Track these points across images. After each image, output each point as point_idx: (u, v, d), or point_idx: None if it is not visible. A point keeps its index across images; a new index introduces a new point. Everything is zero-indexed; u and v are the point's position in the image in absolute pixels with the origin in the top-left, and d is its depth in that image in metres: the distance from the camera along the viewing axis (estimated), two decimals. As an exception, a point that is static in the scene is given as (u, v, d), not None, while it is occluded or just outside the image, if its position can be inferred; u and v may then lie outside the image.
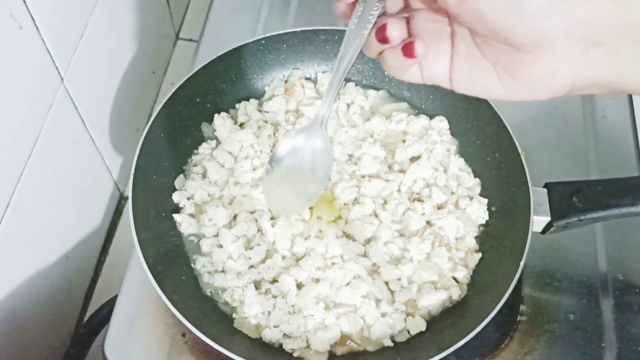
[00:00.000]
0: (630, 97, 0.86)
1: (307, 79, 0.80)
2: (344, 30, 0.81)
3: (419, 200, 0.70)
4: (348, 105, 0.78)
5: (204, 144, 0.74)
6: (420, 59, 0.40)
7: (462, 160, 0.74)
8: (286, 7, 0.94)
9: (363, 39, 0.42)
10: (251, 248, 0.67)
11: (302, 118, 0.75)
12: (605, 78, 0.37)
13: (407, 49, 0.40)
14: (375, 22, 0.41)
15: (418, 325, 0.63)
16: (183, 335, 0.65)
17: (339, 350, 0.62)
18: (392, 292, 0.65)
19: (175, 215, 0.68)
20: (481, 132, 0.73)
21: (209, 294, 0.65)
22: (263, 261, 0.66)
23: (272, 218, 0.69)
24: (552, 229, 0.64)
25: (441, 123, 0.76)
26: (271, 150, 0.72)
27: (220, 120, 0.75)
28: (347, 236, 0.68)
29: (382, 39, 0.40)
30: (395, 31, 0.40)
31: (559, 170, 0.78)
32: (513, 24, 0.36)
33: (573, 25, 0.35)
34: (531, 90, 0.39)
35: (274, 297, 0.64)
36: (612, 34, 0.35)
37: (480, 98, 0.72)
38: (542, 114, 0.84)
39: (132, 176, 0.65)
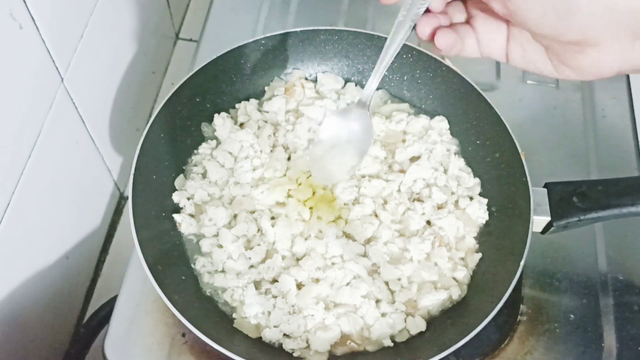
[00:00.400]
0: (630, 97, 0.86)
1: (307, 79, 0.80)
2: (344, 30, 0.81)
3: (419, 200, 0.70)
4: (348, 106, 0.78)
5: (204, 144, 0.74)
6: (445, 50, 0.45)
7: (462, 160, 0.74)
8: (286, 7, 0.94)
9: (409, 31, 0.46)
10: (251, 248, 0.67)
11: (302, 118, 0.75)
12: None
13: (435, 39, 0.45)
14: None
15: (418, 325, 0.63)
16: (183, 335, 0.65)
17: (339, 350, 0.62)
18: (392, 292, 0.65)
19: (175, 215, 0.68)
20: (481, 132, 0.73)
21: (209, 294, 0.65)
22: (263, 261, 0.66)
23: (272, 218, 0.69)
24: (552, 229, 0.64)
25: (441, 123, 0.76)
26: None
27: (220, 120, 0.75)
28: (347, 236, 0.68)
29: (420, 32, 0.46)
30: (426, 27, 0.45)
31: (559, 170, 0.78)
32: (562, 30, 0.39)
33: (619, 23, 0.38)
34: (579, 74, 0.43)
35: (274, 297, 0.64)
36: None
37: (480, 98, 0.72)
38: (542, 114, 0.84)
39: (132, 176, 0.65)
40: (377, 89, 0.79)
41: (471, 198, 0.71)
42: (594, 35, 0.39)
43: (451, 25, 0.47)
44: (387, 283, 0.65)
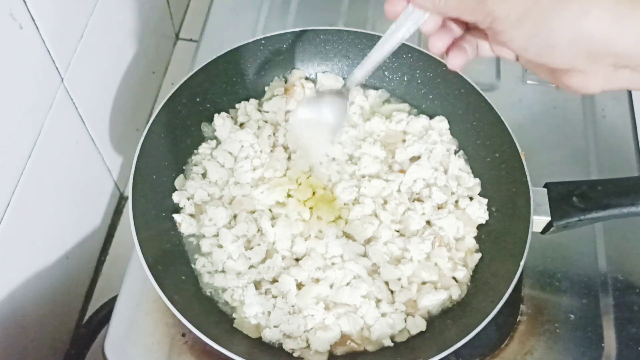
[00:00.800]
0: (630, 97, 0.86)
1: (307, 79, 0.80)
2: (344, 31, 0.81)
3: (419, 200, 0.70)
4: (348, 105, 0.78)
5: (204, 144, 0.74)
6: (458, 68, 0.48)
7: (462, 160, 0.74)
8: (286, 7, 0.94)
9: (403, 38, 0.47)
10: (251, 248, 0.67)
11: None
12: (632, 87, 0.44)
13: (447, 57, 0.48)
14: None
15: (418, 325, 0.63)
16: (183, 335, 0.65)
17: (339, 350, 0.62)
18: (392, 292, 0.65)
19: (175, 215, 0.68)
20: (481, 132, 0.73)
21: (209, 294, 0.65)
22: (263, 261, 0.66)
23: (272, 218, 0.69)
24: (552, 229, 0.64)
25: (441, 123, 0.76)
26: (271, 150, 0.73)
27: (220, 120, 0.75)
28: (347, 236, 0.68)
29: (432, 47, 0.48)
30: (437, 45, 0.47)
31: (559, 170, 0.78)
32: (545, 60, 0.42)
33: (598, 57, 0.41)
34: (567, 90, 0.45)
35: (274, 297, 0.64)
36: (636, 60, 0.40)
37: (480, 98, 0.72)
38: (542, 114, 0.84)
39: (132, 176, 0.65)
40: (378, 89, 0.80)
41: (471, 198, 0.71)
42: (576, 64, 0.41)
43: (462, 36, 0.49)
44: (387, 283, 0.65)
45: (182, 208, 0.70)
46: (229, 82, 0.77)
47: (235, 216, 0.69)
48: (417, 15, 0.45)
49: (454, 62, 0.48)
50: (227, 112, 0.77)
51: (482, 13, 0.41)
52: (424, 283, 0.66)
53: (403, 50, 0.77)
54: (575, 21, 0.39)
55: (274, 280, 0.65)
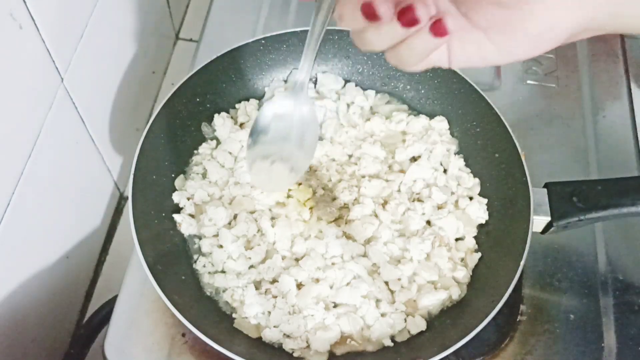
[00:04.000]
0: (630, 97, 0.86)
1: (307, 78, 0.80)
2: (344, 30, 0.81)
3: (419, 200, 0.70)
4: (348, 105, 0.78)
5: (204, 144, 0.74)
6: (451, 35, 0.36)
7: (462, 160, 0.74)
8: (286, 7, 0.94)
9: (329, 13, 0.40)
10: (251, 248, 0.67)
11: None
12: (600, 19, 0.37)
13: (438, 27, 0.36)
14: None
15: (418, 325, 0.63)
16: (183, 335, 0.65)
17: (339, 350, 0.62)
18: (392, 292, 0.65)
19: (175, 215, 0.68)
20: (481, 132, 0.73)
21: (209, 294, 0.65)
22: (263, 261, 0.66)
23: (272, 218, 0.69)
24: (552, 229, 0.64)
25: (441, 123, 0.76)
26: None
27: (220, 120, 0.75)
28: (347, 236, 0.68)
29: (410, 20, 0.35)
30: (423, 10, 0.35)
31: (559, 170, 0.78)
32: None
33: None
34: (530, 46, 0.38)
35: (274, 297, 0.64)
36: None
37: (481, 98, 0.72)
38: (542, 114, 0.84)
39: (132, 176, 0.65)
40: (378, 89, 0.80)
41: (471, 198, 0.71)
42: None
43: None
44: (387, 283, 0.65)
45: (182, 208, 0.70)
46: (229, 82, 0.77)
47: (235, 216, 0.69)
48: None
49: (420, 12, 0.35)
50: (227, 112, 0.77)
51: None
52: (424, 283, 0.66)
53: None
54: None
55: (274, 280, 0.65)
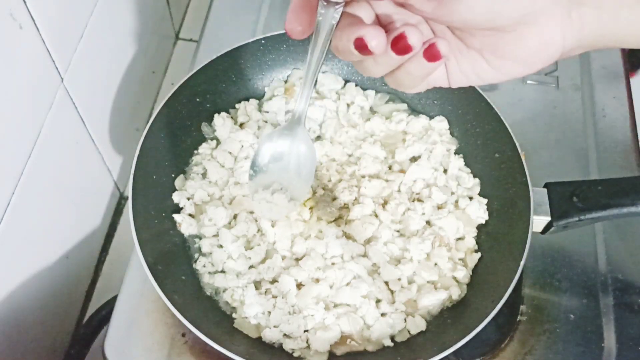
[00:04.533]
0: (630, 97, 0.86)
1: (307, 79, 0.80)
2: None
3: (419, 200, 0.70)
4: (348, 105, 0.78)
5: (204, 144, 0.74)
6: (446, 58, 0.37)
7: (462, 160, 0.74)
8: (286, 7, 0.93)
9: (333, 28, 0.39)
10: (251, 248, 0.67)
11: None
12: (591, 37, 0.37)
13: (431, 52, 0.36)
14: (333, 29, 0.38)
15: (418, 325, 0.63)
16: (183, 335, 0.65)
17: (339, 350, 0.62)
18: (392, 292, 0.65)
19: (175, 215, 0.68)
20: (481, 132, 0.73)
21: (209, 294, 0.65)
22: (263, 261, 0.66)
23: (272, 218, 0.69)
24: (552, 229, 0.64)
25: (441, 123, 0.76)
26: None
27: (220, 120, 0.75)
28: (347, 236, 0.68)
29: (403, 48, 0.36)
30: (415, 37, 0.35)
31: (559, 170, 0.78)
32: (496, 11, 0.35)
33: None
34: (523, 66, 0.39)
35: (274, 297, 0.64)
36: None
37: (481, 98, 0.72)
38: (542, 114, 0.84)
39: (132, 176, 0.65)
40: (378, 89, 0.80)
41: (471, 198, 0.71)
42: (530, 10, 0.35)
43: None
44: (387, 283, 0.65)
45: (182, 208, 0.70)
46: (229, 82, 0.77)
47: (235, 216, 0.69)
48: (331, 12, 0.38)
49: (413, 39, 0.35)
50: (227, 112, 0.77)
51: None
52: (424, 283, 0.66)
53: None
54: None
55: (274, 280, 0.65)
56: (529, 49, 0.37)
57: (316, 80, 0.47)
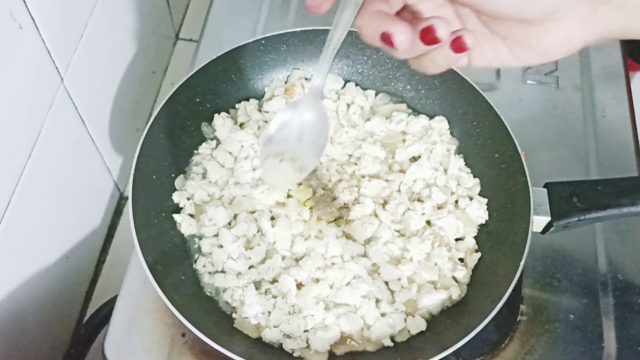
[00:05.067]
0: (630, 97, 0.86)
1: (307, 79, 0.80)
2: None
3: (419, 200, 0.70)
4: (348, 105, 0.78)
5: (204, 144, 0.74)
6: (471, 50, 0.38)
7: (462, 160, 0.74)
8: (286, 7, 0.94)
9: (357, 7, 0.41)
10: (251, 248, 0.67)
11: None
12: (614, 31, 0.40)
13: (457, 44, 0.38)
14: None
15: (418, 325, 0.63)
16: (183, 335, 0.65)
17: (339, 350, 0.62)
18: (392, 292, 0.65)
19: (175, 215, 0.68)
20: (481, 132, 0.73)
21: (209, 294, 0.65)
22: (263, 261, 0.66)
23: (272, 218, 0.69)
24: (552, 229, 0.64)
25: (441, 123, 0.76)
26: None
27: (220, 120, 0.75)
28: (347, 236, 0.68)
29: (432, 40, 0.37)
30: (443, 29, 0.37)
31: (559, 170, 0.78)
32: (526, 4, 0.37)
33: None
34: (544, 56, 0.40)
35: (274, 297, 0.64)
36: None
37: (481, 98, 0.72)
38: (542, 114, 0.84)
39: (132, 176, 0.65)
40: (378, 89, 0.80)
41: (471, 198, 0.71)
42: (557, 7, 0.38)
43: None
44: (387, 283, 0.65)
45: (182, 208, 0.70)
46: (229, 82, 0.77)
47: (235, 216, 0.69)
48: None
49: (441, 32, 0.37)
50: (227, 112, 0.77)
51: None
52: (424, 283, 0.66)
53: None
54: None
55: (274, 280, 0.65)
56: (552, 42, 0.39)
57: (335, 56, 0.47)
